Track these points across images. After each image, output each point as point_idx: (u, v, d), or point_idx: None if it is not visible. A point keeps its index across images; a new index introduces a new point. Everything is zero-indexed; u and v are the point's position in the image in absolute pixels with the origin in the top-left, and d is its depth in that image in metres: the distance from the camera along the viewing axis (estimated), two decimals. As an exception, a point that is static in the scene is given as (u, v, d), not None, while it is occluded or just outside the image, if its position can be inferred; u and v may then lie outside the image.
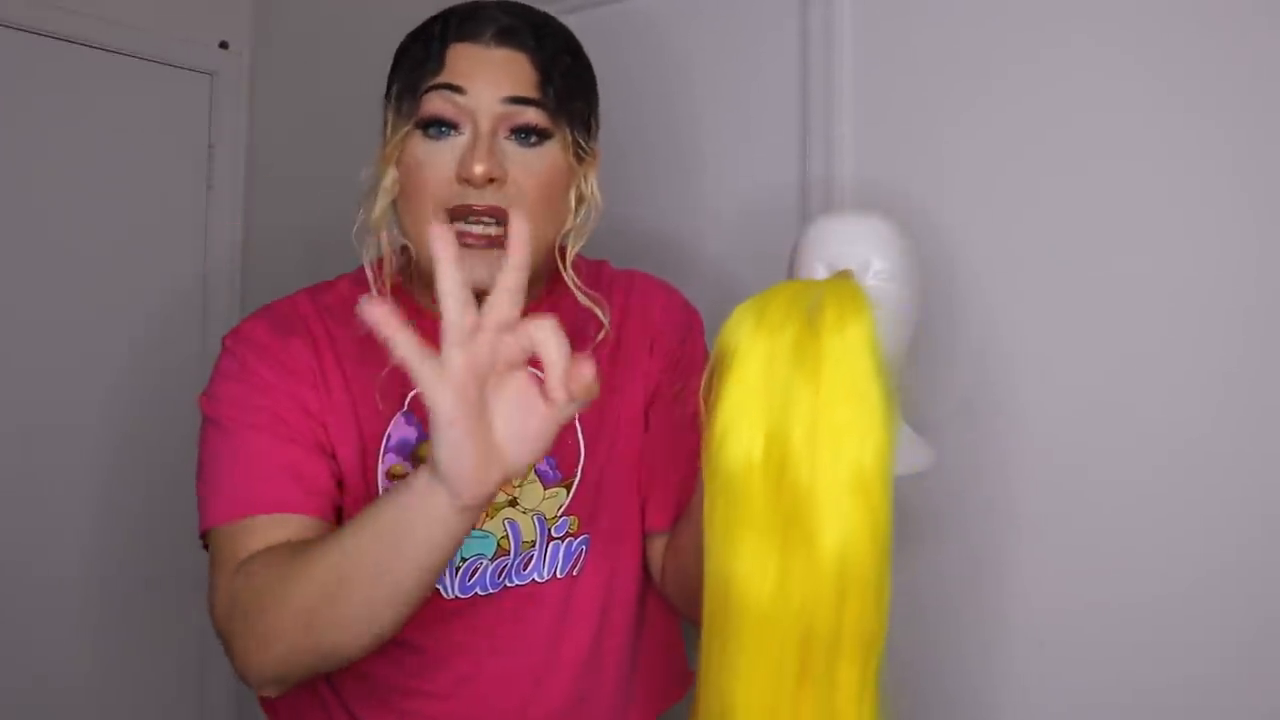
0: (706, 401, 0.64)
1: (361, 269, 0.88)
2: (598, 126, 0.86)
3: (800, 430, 0.60)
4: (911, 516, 1.19)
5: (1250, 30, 0.97)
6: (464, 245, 0.76)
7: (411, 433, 0.84)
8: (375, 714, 0.85)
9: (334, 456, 0.82)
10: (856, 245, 0.92)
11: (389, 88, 0.82)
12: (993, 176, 1.13)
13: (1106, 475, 1.05)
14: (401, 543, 0.62)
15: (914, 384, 1.11)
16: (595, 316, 0.87)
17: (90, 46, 1.78)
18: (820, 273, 0.92)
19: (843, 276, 0.68)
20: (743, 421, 0.62)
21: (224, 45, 1.98)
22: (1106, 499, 1.05)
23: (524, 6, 0.83)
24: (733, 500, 0.62)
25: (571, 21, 1.50)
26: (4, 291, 1.69)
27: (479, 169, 0.75)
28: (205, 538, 0.80)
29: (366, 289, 0.85)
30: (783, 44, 1.31)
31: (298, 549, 0.70)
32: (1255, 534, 0.97)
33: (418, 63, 0.79)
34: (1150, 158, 1.03)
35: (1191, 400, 1.00)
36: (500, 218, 0.77)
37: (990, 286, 1.13)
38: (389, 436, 0.83)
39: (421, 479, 0.61)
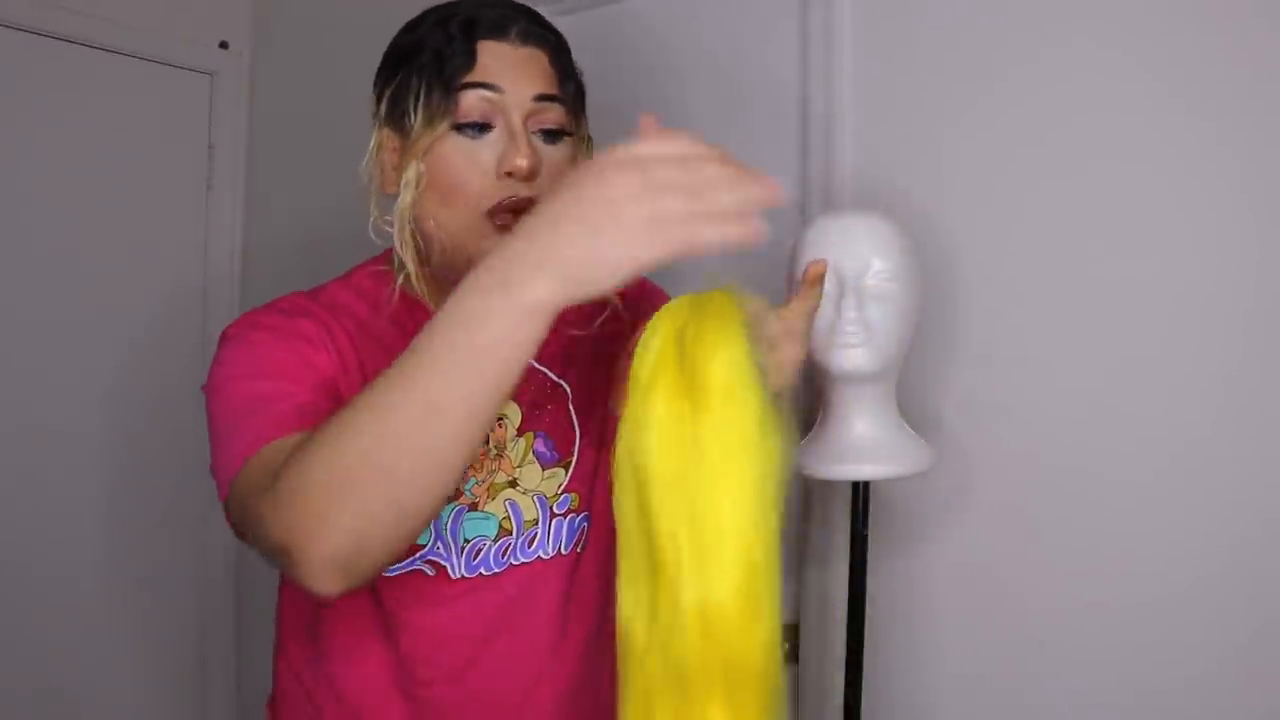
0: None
1: (347, 274, 0.90)
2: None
3: (668, 470, 0.58)
4: (911, 516, 1.19)
5: (1251, 31, 0.98)
6: (509, 233, 0.77)
7: None
8: (384, 700, 0.85)
9: None
10: (857, 245, 0.92)
11: (396, 81, 0.82)
12: (993, 177, 1.13)
13: (1106, 475, 1.05)
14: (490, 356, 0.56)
15: (915, 383, 1.11)
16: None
17: (90, 46, 1.78)
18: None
19: (720, 289, 0.64)
20: (624, 460, 0.61)
21: (224, 45, 1.98)
22: (1106, 499, 1.05)
23: (516, 4, 0.85)
24: (619, 540, 0.63)
25: (570, 22, 1.50)
26: (4, 292, 1.69)
27: (524, 163, 0.78)
28: (230, 497, 0.72)
29: (355, 291, 0.87)
30: (783, 45, 1.31)
31: (347, 417, 0.61)
32: (1255, 534, 0.97)
33: (443, 58, 0.79)
34: (1150, 159, 1.03)
35: (1191, 401, 1.01)
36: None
37: (990, 287, 1.13)
38: None
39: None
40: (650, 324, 0.63)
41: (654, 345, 0.61)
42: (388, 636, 0.84)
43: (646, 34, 1.46)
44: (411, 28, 0.84)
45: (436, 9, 0.83)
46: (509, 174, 0.79)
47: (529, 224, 0.56)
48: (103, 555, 1.81)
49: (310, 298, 0.88)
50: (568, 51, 0.86)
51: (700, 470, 0.58)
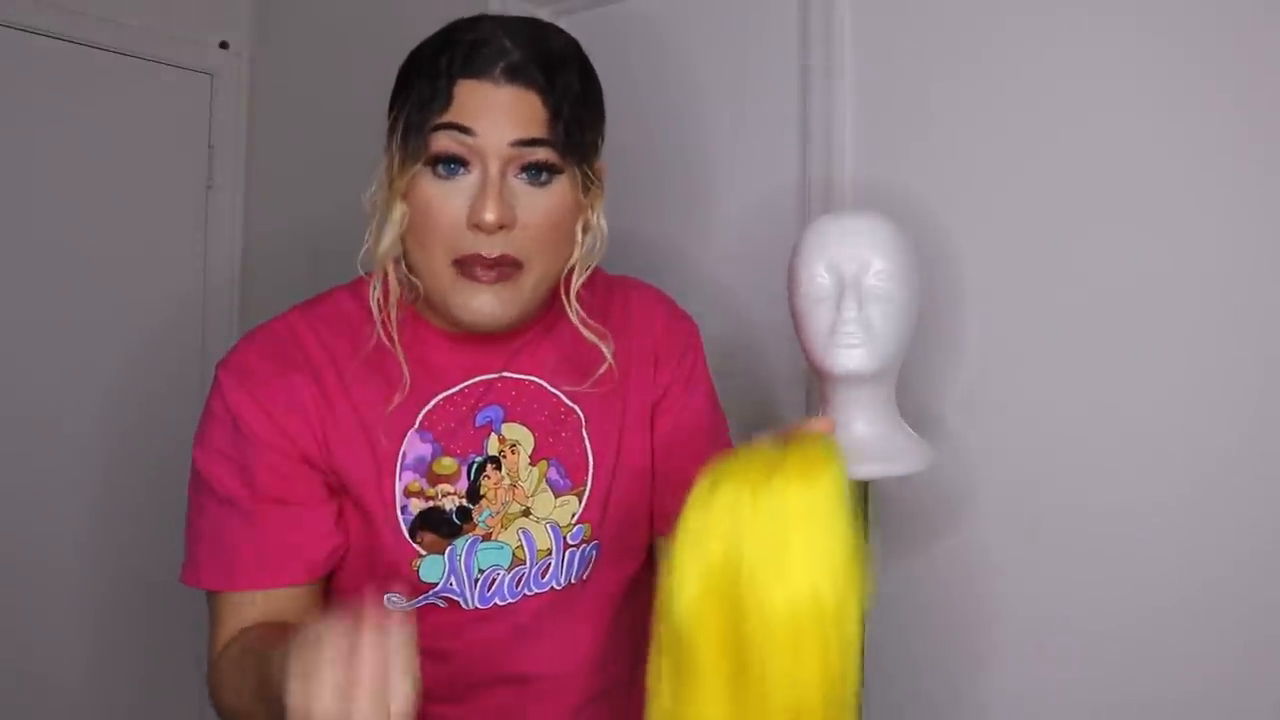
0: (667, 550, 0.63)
1: (358, 281, 0.88)
2: (603, 142, 0.86)
3: (753, 572, 0.59)
4: (911, 516, 1.19)
5: (1255, 30, 0.98)
6: (473, 280, 0.78)
7: (427, 449, 0.83)
8: None
9: (343, 487, 0.82)
10: (857, 245, 0.92)
11: (393, 115, 0.80)
12: (993, 176, 1.13)
13: (1106, 475, 1.05)
14: None
15: (915, 383, 1.11)
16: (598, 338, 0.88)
17: (90, 46, 1.78)
18: (822, 274, 0.93)
19: (811, 438, 0.65)
20: (692, 568, 0.60)
21: (224, 45, 1.98)
22: (1107, 498, 1.05)
23: (531, 29, 0.80)
24: (682, 649, 0.60)
25: (570, 22, 1.50)
26: (4, 291, 1.69)
27: (490, 217, 0.75)
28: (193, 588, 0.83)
29: (364, 303, 0.84)
30: (783, 45, 1.31)
31: (248, 661, 0.73)
32: (1257, 533, 0.97)
33: (424, 99, 0.76)
34: (1153, 158, 1.03)
35: (1191, 400, 1.01)
36: (507, 264, 0.78)
37: (990, 286, 1.13)
38: (404, 454, 0.83)
39: None
40: (721, 463, 0.63)
41: (742, 472, 0.61)
42: None
43: (646, 34, 1.46)
44: (413, 55, 0.81)
45: (439, 37, 0.80)
46: (476, 226, 0.76)
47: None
48: (102, 555, 1.81)
49: (306, 318, 0.86)
50: (573, 84, 0.79)
51: (791, 568, 0.58)
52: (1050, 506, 1.09)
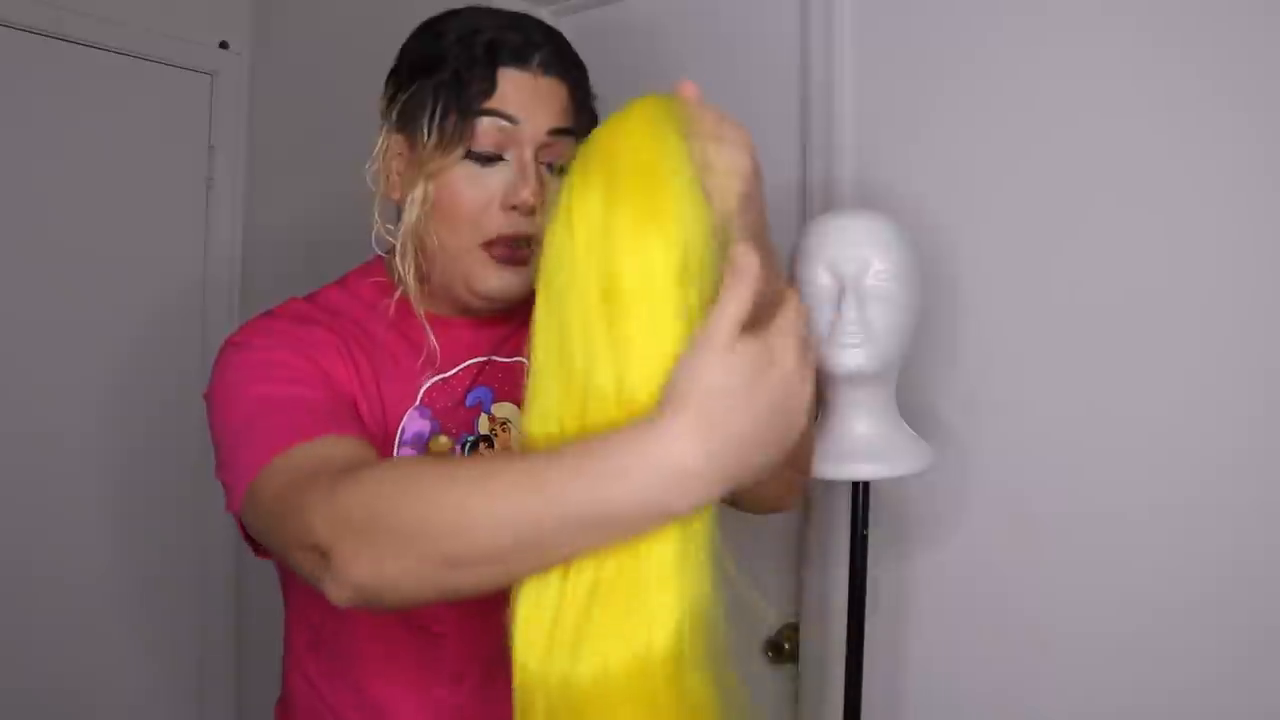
0: None
1: (343, 278, 0.91)
2: None
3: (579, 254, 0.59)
4: (911, 516, 1.19)
5: (1257, 30, 0.97)
6: (502, 260, 0.81)
7: (425, 426, 0.85)
8: (413, 704, 0.85)
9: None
10: (857, 246, 0.92)
11: (410, 92, 0.80)
12: (994, 176, 1.13)
13: (1106, 475, 1.05)
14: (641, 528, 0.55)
15: (915, 383, 1.11)
16: None
17: (90, 46, 1.78)
18: (822, 274, 0.93)
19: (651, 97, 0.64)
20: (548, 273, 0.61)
21: (224, 45, 1.98)
22: (1106, 499, 1.05)
23: (541, 24, 0.84)
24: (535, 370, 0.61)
25: (570, 22, 1.50)
26: (3, 291, 1.69)
27: (530, 198, 0.79)
28: (250, 494, 0.69)
29: (353, 296, 0.87)
30: (783, 46, 1.31)
31: (446, 470, 0.60)
32: (1257, 535, 0.97)
33: (464, 82, 0.78)
34: (1153, 157, 1.03)
35: (1193, 400, 1.00)
36: (532, 245, 0.80)
37: (991, 286, 1.13)
38: (404, 429, 0.84)
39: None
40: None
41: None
42: (417, 647, 0.84)
43: (646, 34, 1.46)
44: (434, 35, 0.82)
45: (460, 21, 0.81)
46: (513, 207, 0.79)
47: (698, 401, 0.52)
48: (102, 555, 1.81)
49: (311, 304, 0.87)
50: (586, 80, 0.85)
51: (608, 244, 0.57)
52: (1050, 507, 1.09)
